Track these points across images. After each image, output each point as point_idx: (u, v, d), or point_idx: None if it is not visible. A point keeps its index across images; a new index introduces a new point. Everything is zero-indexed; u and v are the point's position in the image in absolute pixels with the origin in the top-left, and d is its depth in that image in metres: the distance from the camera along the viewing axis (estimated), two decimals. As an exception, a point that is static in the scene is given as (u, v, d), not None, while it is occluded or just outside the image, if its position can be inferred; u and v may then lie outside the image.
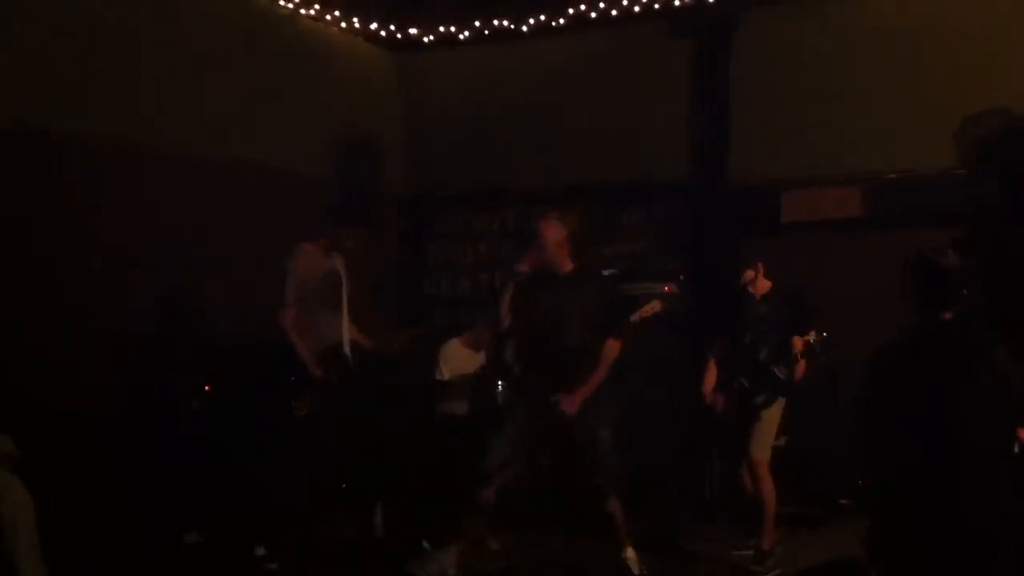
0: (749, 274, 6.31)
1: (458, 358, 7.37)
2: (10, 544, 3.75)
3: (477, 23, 8.61)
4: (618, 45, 8.37)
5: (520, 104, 8.63)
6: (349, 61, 8.74)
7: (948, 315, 3.34)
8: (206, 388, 6.26)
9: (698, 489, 7.39)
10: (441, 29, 8.74)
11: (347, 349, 6.02)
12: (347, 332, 6.05)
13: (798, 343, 6.09)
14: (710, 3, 7.86)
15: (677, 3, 7.94)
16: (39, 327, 5.87)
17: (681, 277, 7.60)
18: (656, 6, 8.02)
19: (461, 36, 8.75)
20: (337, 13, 8.34)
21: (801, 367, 6.09)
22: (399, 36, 8.83)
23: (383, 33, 8.76)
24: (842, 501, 6.87)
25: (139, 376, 6.35)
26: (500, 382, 6.92)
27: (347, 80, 8.67)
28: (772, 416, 6.14)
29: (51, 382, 5.78)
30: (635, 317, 6.63)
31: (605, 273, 7.73)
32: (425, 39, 8.86)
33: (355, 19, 8.48)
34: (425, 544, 6.10)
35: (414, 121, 9.17)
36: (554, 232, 5.72)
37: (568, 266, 5.75)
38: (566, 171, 8.44)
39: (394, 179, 9.13)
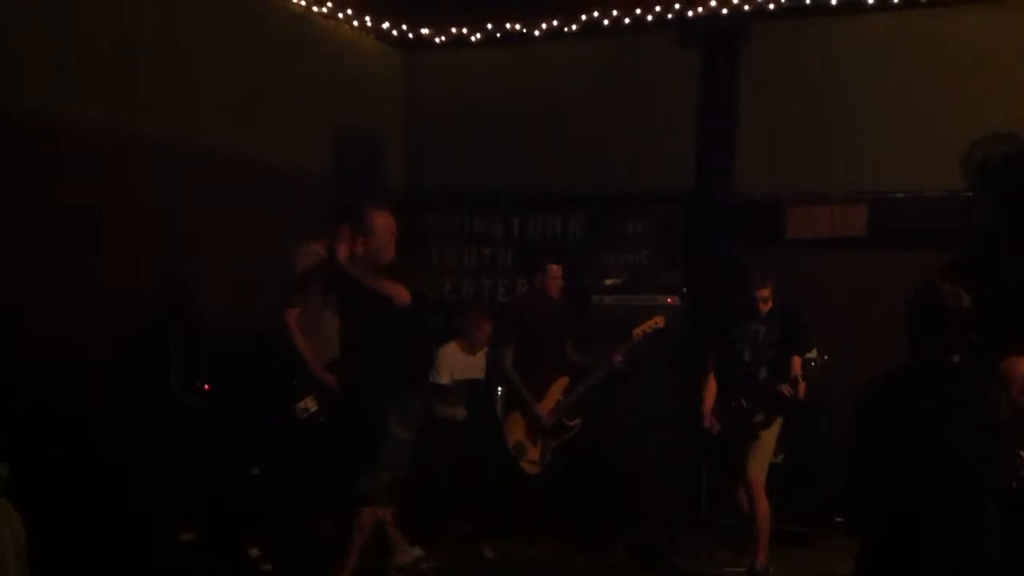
0: (764, 293, 6.29)
1: (456, 361, 7.36)
2: None
3: (489, 26, 8.60)
4: (627, 53, 8.34)
5: (527, 108, 8.58)
6: (359, 59, 8.72)
7: (955, 358, 3.30)
8: (205, 388, 6.26)
9: (690, 503, 7.41)
10: (453, 30, 8.74)
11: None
12: None
13: (797, 363, 6.11)
14: (721, 15, 7.85)
15: (689, 13, 7.93)
16: (33, 322, 5.83)
17: (684, 290, 7.60)
18: (668, 16, 8.01)
19: (473, 38, 8.75)
20: (349, 11, 8.34)
21: (801, 388, 6.10)
22: (410, 36, 8.83)
23: (395, 33, 8.76)
24: (837, 520, 6.89)
25: (136, 374, 6.35)
26: (499, 388, 6.94)
27: (356, 78, 8.65)
28: (770, 436, 6.15)
29: (46, 379, 5.76)
30: (637, 331, 6.66)
31: (608, 283, 7.83)
32: (436, 40, 8.86)
33: (367, 18, 8.48)
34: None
35: (419, 121, 9.12)
36: (385, 222, 5.59)
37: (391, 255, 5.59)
38: (571, 178, 8.40)
39: (397, 180, 9.10)
